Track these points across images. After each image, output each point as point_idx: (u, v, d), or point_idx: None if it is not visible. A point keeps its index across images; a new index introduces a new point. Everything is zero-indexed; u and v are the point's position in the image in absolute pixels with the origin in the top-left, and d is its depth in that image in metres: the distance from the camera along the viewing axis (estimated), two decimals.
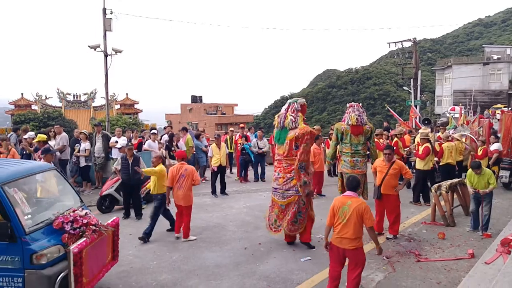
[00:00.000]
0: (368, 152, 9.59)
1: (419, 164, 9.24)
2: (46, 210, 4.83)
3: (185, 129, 12.79)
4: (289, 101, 6.92)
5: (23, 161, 6.12)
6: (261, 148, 12.45)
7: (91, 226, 4.73)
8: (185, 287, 5.34)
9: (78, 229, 4.60)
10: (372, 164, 7.85)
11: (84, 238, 4.56)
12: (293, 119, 6.58)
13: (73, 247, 4.32)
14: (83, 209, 5.06)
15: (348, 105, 9.61)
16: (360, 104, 9.47)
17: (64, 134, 10.77)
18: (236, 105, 61.29)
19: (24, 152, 10.11)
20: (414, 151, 9.77)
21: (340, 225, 4.58)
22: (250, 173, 12.84)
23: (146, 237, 6.99)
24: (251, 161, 12.43)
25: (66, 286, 4.27)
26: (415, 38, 26.28)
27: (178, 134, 12.11)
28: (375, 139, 11.09)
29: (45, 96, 38.37)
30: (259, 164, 12.63)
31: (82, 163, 10.89)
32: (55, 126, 11.00)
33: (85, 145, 10.92)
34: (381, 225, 7.24)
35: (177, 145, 11.34)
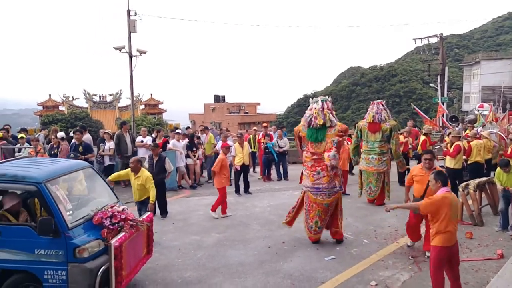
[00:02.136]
0: (385, 151, 9.34)
1: (450, 163, 9.04)
2: (84, 206, 5.05)
3: (206, 128, 13.02)
4: (320, 98, 6.83)
5: (61, 160, 6.38)
6: (281, 147, 12.45)
7: (128, 221, 4.91)
8: (210, 284, 5.42)
9: (116, 224, 4.78)
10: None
11: (123, 233, 4.74)
12: (333, 117, 6.62)
13: (114, 241, 4.51)
14: (119, 205, 5.24)
15: (371, 103, 9.63)
16: (382, 102, 9.41)
17: (88, 135, 11.04)
18: (259, 104, 61.33)
19: (53, 152, 10.46)
20: (445, 149, 9.56)
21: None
22: (274, 172, 12.85)
23: None
24: (274, 160, 12.45)
25: (107, 279, 4.44)
26: (442, 34, 25.67)
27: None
28: (404, 137, 10.95)
29: (72, 97, 39.40)
30: (281, 163, 12.64)
31: (107, 162, 11.15)
32: (79, 130, 10.78)
33: (109, 144, 11.16)
34: (418, 234, 6.48)
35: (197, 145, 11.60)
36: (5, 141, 9.75)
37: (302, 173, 6.98)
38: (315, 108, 6.67)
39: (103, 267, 4.42)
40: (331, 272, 5.67)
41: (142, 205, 6.98)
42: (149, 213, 5.88)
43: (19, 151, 9.51)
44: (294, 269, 5.78)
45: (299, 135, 6.96)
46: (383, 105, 9.29)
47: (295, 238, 7.07)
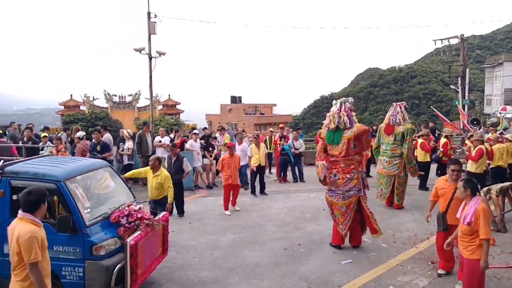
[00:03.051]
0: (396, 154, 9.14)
1: (471, 167, 8.83)
2: (102, 205, 5.11)
3: (223, 129, 13.15)
4: (339, 100, 6.73)
5: (80, 159, 6.50)
6: (297, 149, 12.39)
7: (144, 220, 4.97)
8: (226, 284, 5.42)
9: (133, 223, 4.84)
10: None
11: (139, 232, 4.79)
12: (348, 119, 6.51)
13: (130, 240, 4.56)
14: (136, 204, 5.30)
15: (391, 104, 9.54)
16: (403, 104, 9.27)
17: (107, 134, 11.20)
18: (275, 105, 61.21)
19: (74, 151, 10.64)
20: (467, 153, 9.35)
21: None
22: (290, 173, 12.80)
23: None
24: (290, 161, 12.41)
25: (122, 277, 4.50)
26: (463, 35, 25.11)
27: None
28: (422, 140, 10.73)
29: (93, 97, 39.99)
30: (296, 165, 12.58)
31: (126, 161, 11.31)
32: (97, 129, 10.92)
33: (129, 144, 11.32)
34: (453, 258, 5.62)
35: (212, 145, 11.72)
36: (3, 139, 9.90)
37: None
38: (332, 111, 6.61)
39: (119, 265, 4.48)
40: (348, 276, 5.60)
41: (158, 204, 7.03)
42: (165, 212, 5.93)
43: (42, 149, 9.72)
44: (311, 272, 5.73)
45: (321, 138, 6.88)
46: (401, 108, 9.13)
47: (312, 240, 7.02)
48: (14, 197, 4.84)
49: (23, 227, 3.29)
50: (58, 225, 4.36)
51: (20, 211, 3.41)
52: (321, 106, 69.56)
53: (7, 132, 11.58)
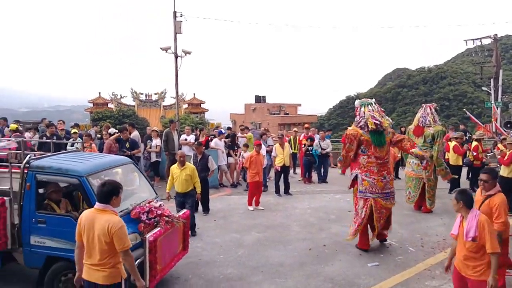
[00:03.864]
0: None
1: (503, 171, 8.54)
2: (124, 201, 5.18)
3: (246, 128, 13.19)
4: (371, 101, 6.62)
5: (104, 155, 6.65)
6: (324, 149, 12.28)
7: (164, 217, 5.03)
8: (250, 282, 5.44)
9: (153, 219, 4.90)
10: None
11: (158, 228, 4.85)
12: (389, 120, 6.50)
13: (149, 236, 4.62)
14: (157, 201, 5.37)
15: (421, 106, 9.39)
16: (433, 106, 9.08)
17: (135, 132, 11.41)
18: (300, 105, 60.87)
19: (102, 147, 10.89)
20: (499, 157, 9.05)
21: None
22: (315, 174, 12.71)
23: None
24: (314, 162, 12.32)
25: (142, 272, 4.54)
26: (496, 35, 24.26)
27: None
28: (455, 143, 10.44)
29: (120, 95, 40.87)
30: (322, 166, 12.48)
31: (153, 158, 11.55)
32: (128, 125, 11.12)
33: (156, 141, 11.53)
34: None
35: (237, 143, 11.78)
36: (18, 133, 10.23)
37: (356, 178, 6.53)
38: (372, 111, 6.40)
39: (138, 260, 4.51)
40: (375, 278, 5.51)
41: (186, 196, 7.26)
42: (185, 210, 6.00)
43: (72, 145, 10.01)
44: (336, 273, 5.67)
45: (359, 139, 6.38)
46: (431, 109, 8.94)
47: (337, 241, 6.95)
48: (40, 190, 5.02)
49: (110, 218, 3.47)
50: None
51: (97, 203, 3.57)
52: (347, 106, 68.66)
53: (39, 128, 11.98)
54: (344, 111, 68.68)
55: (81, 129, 13.73)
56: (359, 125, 6.45)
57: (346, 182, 7.02)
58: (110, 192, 3.56)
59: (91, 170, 4.89)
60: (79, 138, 10.71)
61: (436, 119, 8.93)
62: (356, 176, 6.52)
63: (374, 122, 6.27)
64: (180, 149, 11.44)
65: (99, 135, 12.45)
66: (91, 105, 41.15)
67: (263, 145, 10.79)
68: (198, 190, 7.38)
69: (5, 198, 4.90)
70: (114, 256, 3.50)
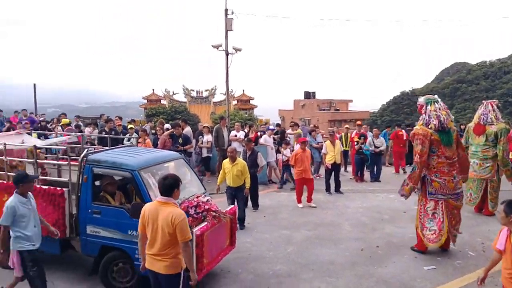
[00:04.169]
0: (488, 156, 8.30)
1: None
2: None
3: (296, 124, 13.10)
4: (437, 97, 6.35)
5: (156, 150, 6.89)
6: (377, 147, 11.89)
7: (211, 212, 5.10)
8: (299, 279, 5.39)
9: (200, 214, 4.99)
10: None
11: (205, 223, 4.94)
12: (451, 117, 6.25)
13: (196, 230, 4.70)
14: (205, 196, 5.47)
15: (482, 102, 8.82)
16: (495, 102, 8.49)
17: (188, 128, 11.72)
18: (351, 101, 59.45)
19: (157, 143, 11.29)
20: None
21: None
22: (367, 173, 12.35)
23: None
24: (367, 160, 11.98)
25: None
26: None
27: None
28: None
29: (172, 92, 42.22)
30: (375, 164, 12.10)
31: (204, 153, 11.80)
32: (181, 121, 11.70)
33: (207, 137, 11.77)
34: None
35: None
36: (70, 127, 10.76)
37: (426, 180, 6.16)
38: (439, 109, 6.08)
39: None
40: (431, 282, 5.25)
41: (237, 190, 7.48)
42: (233, 206, 6.07)
43: (128, 140, 10.48)
44: (390, 275, 5.47)
45: (430, 139, 5.97)
46: (493, 106, 8.35)
47: (390, 242, 6.70)
48: (96, 183, 5.28)
49: (173, 210, 3.64)
50: (131, 211, 4.64)
51: (160, 196, 3.75)
52: (402, 102, 65.94)
53: (98, 123, 12.66)
54: (399, 107, 65.96)
55: (137, 125, 14.36)
56: (429, 125, 6.02)
57: (400, 182, 6.73)
58: (172, 185, 3.70)
59: (143, 165, 5.08)
60: (135, 133, 11.19)
61: (498, 117, 8.35)
62: (424, 177, 6.17)
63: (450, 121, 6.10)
64: (230, 145, 11.62)
65: (153, 131, 12.93)
66: (145, 101, 42.81)
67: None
68: (247, 185, 7.54)
69: (64, 189, 5.21)
70: (175, 246, 3.64)
